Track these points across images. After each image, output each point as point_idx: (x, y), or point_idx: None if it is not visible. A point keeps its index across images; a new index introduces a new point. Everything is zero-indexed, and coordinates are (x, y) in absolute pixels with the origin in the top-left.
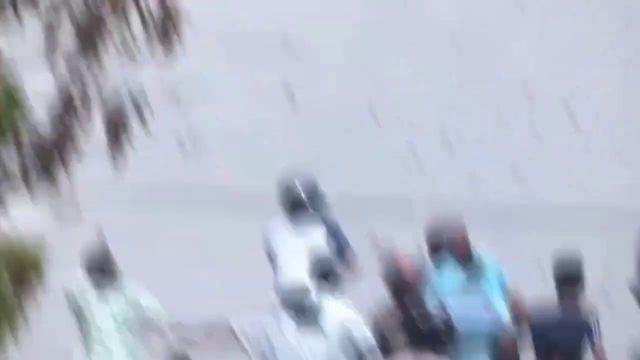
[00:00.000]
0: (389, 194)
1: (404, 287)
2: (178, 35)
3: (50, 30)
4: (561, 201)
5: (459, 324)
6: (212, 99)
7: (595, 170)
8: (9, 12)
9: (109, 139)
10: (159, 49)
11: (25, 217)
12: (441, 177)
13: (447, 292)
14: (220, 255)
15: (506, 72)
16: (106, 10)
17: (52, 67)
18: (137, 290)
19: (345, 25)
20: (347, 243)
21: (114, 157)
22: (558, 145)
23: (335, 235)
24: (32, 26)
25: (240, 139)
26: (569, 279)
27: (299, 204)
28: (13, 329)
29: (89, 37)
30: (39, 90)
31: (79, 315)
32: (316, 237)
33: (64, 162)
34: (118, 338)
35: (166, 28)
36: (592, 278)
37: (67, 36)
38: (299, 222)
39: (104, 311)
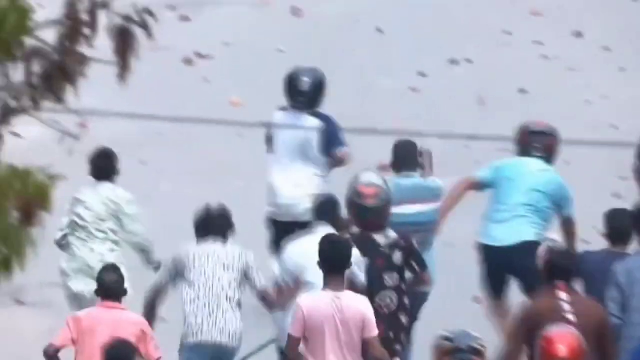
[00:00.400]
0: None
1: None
2: None
3: None
4: None
5: None
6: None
7: None
8: None
9: (116, 52)
10: None
11: (32, 135)
12: None
13: None
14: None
15: None
16: None
17: None
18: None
19: None
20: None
21: (120, 70)
22: None
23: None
24: None
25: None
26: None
27: (301, 93)
28: (20, 258)
29: None
30: (43, 3)
31: None
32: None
33: (71, 80)
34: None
35: None
36: None
37: None
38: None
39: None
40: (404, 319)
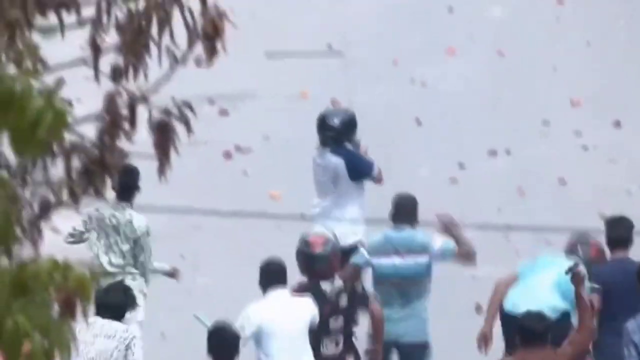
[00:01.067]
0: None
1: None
2: (222, 42)
3: (94, 38)
4: None
5: None
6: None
7: None
8: (52, 17)
9: (156, 146)
10: (204, 56)
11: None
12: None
13: None
14: None
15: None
16: (150, 18)
17: (96, 75)
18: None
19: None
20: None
21: (160, 164)
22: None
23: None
24: (75, 33)
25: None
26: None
27: (330, 129)
28: (62, 351)
29: (133, 45)
30: (82, 99)
31: None
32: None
33: (111, 174)
34: None
35: (210, 33)
36: None
37: (110, 44)
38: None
39: None
40: (351, 359)
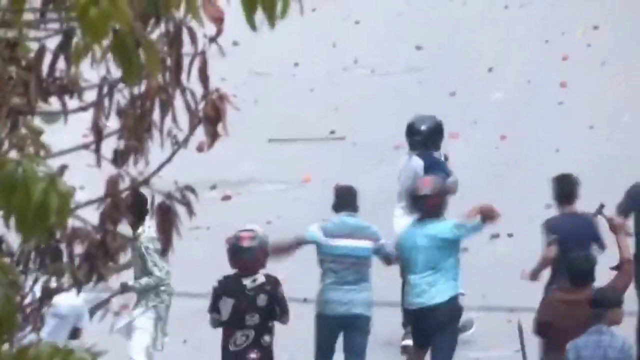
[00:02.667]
0: None
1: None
2: (224, 125)
3: (97, 123)
4: None
5: None
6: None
7: None
8: (54, 102)
9: (158, 229)
10: (205, 139)
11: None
12: None
13: None
14: None
15: None
16: (152, 101)
17: (98, 160)
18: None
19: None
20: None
21: (162, 248)
22: None
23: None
24: (77, 119)
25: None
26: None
27: (417, 133)
28: None
29: (135, 129)
30: (85, 185)
31: None
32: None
33: (113, 259)
34: None
35: (212, 117)
36: None
37: (112, 129)
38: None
39: None
40: (254, 355)
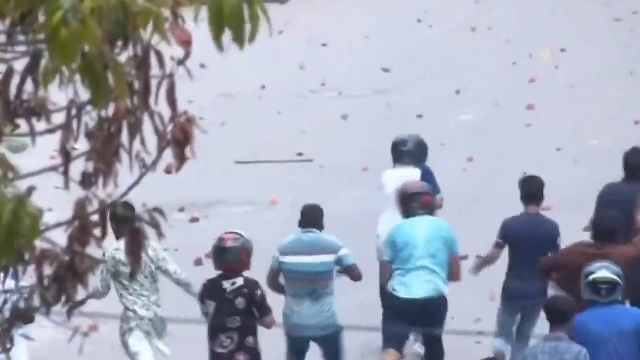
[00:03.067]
0: None
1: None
2: (192, 148)
3: (64, 145)
4: None
5: None
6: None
7: None
8: (21, 124)
9: (127, 251)
10: (173, 161)
11: (43, 337)
12: None
13: None
14: None
15: None
16: (120, 124)
17: (66, 182)
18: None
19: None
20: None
21: (131, 270)
22: None
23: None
24: (44, 141)
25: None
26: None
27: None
28: None
29: (104, 151)
30: (53, 207)
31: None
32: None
33: (82, 280)
34: None
35: (180, 140)
36: None
37: (80, 151)
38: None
39: None
40: (242, 357)
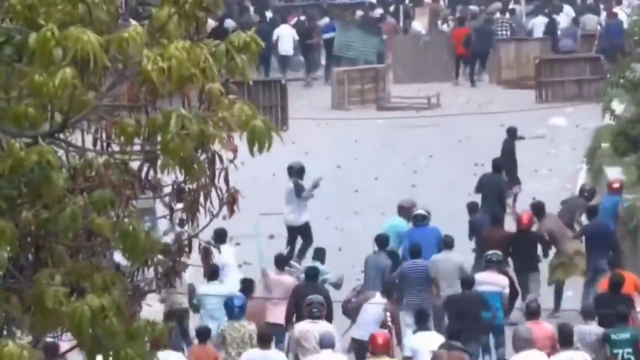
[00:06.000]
0: None
1: None
2: (237, 206)
3: (170, 204)
4: None
5: None
6: None
7: None
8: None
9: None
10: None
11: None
12: None
13: None
14: None
15: None
16: (199, 193)
17: (171, 223)
18: None
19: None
20: None
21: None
22: None
23: None
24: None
25: None
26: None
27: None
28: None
29: (191, 208)
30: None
31: None
32: None
33: (179, 275)
34: None
35: (230, 202)
36: None
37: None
38: None
39: None
40: None
